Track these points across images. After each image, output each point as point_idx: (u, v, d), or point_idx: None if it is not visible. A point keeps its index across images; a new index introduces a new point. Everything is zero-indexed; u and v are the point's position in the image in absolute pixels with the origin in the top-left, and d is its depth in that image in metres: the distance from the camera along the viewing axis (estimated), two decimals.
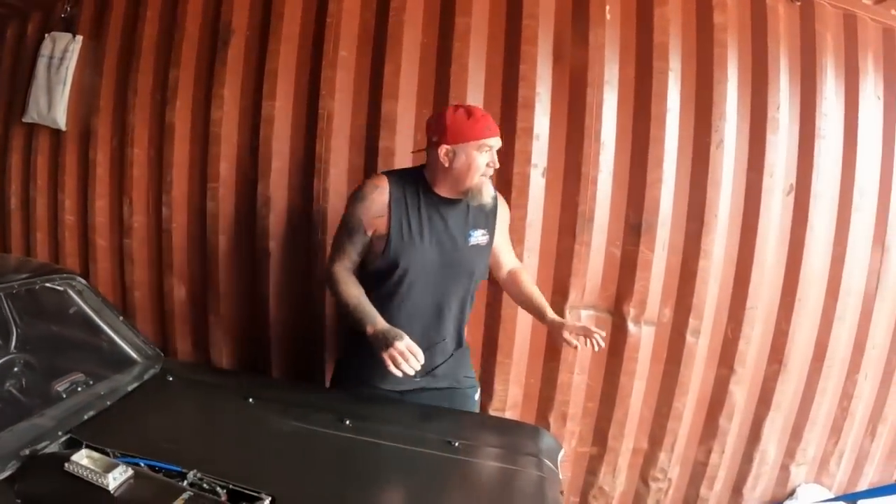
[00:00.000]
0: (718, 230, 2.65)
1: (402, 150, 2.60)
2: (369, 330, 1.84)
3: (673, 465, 2.84)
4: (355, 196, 2.01)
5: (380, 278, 2.00)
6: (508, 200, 2.36)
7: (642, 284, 2.60)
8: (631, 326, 2.62)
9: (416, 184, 2.00)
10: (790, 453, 3.02)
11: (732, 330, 2.74)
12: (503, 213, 2.15)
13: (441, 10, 2.62)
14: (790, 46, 2.74)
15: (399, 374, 1.77)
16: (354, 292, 1.95)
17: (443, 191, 1.97)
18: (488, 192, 1.95)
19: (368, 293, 1.97)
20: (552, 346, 2.58)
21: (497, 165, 1.96)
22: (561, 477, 1.90)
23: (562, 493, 1.79)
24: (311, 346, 2.81)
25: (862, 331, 2.98)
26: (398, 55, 2.61)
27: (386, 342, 1.78)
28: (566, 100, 2.60)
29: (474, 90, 2.59)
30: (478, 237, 2.03)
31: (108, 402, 1.80)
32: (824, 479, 3.13)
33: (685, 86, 2.62)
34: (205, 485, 1.43)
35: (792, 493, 3.05)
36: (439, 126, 1.91)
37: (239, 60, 2.80)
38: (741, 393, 2.82)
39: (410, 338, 1.81)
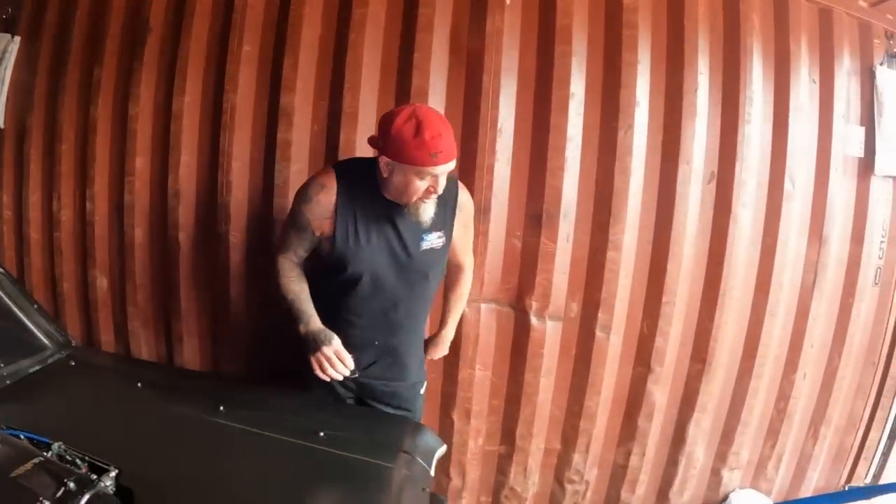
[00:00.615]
0: (629, 221, 2.33)
1: (300, 143, 2.39)
2: (301, 329, 1.73)
3: (589, 467, 2.51)
4: (300, 195, 1.77)
5: (327, 277, 1.82)
6: None
7: (545, 277, 2.29)
8: (534, 321, 2.32)
9: (368, 183, 1.73)
10: (721, 457, 2.66)
11: (648, 326, 2.41)
12: (466, 211, 1.90)
13: (339, 2, 2.39)
14: (710, 27, 2.41)
15: (326, 378, 1.70)
16: (294, 287, 1.80)
17: (388, 195, 1.72)
18: (427, 214, 1.70)
19: (321, 287, 1.82)
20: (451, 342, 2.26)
21: (439, 191, 1.65)
22: (432, 475, 1.76)
23: (427, 490, 1.68)
24: (223, 337, 2.58)
25: (798, 328, 2.61)
26: (296, 48, 2.38)
27: (315, 345, 1.68)
28: (462, 88, 2.31)
29: (369, 80, 2.35)
30: (432, 241, 1.78)
31: (8, 382, 1.81)
32: (761, 484, 2.76)
33: (591, 70, 2.32)
34: (67, 456, 1.44)
35: (725, 499, 2.67)
36: (384, 130, 1.62)
37: (154, 57, 2.61)
38: (661, 393, 2.48)
39: (361, 336, 1.78)
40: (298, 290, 1.78)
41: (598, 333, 2.35)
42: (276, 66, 2.43)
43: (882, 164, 2.68)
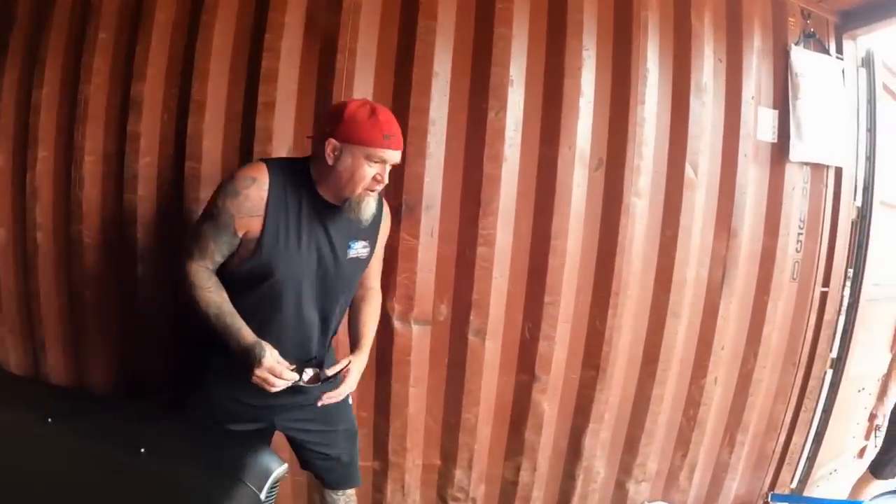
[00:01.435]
0: (502, 212, 1.89)
1: (150, 135, 1.97)
2: (234, 345, 1.37)
3: (475, 484, 2.07)
4: (226, 189, 1.39)
5: (247, 285, 1.44)
6: None
7: (407, 277, 1.85)
8: (398, 325, 1.89)
9: (300, 180, 1.43)
10: (625, 469, 2.20)
11: (530, 329, 1.96)
12: (385, 227, 1.64)
13: None
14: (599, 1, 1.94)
15: (273, 391, 1.37)
16: (215, 299, 1.41)
17: (325, 193, 1.42)
18: (368, 210, 1.42)
19: (232, 299, 1.44)
20: None
21: (385, 182, 1.41)
22: (264, 497, 1.42)
23: None
24: (87, 346, 2.15)
25: (707, 329, 2.15)
26: (149, 33, 1.97)
27: (255, 359, 1.34)
28: (315, 69, 1.88)
29: (219, 65, 1.93)
30: (358, 249, 1.51)
31: None
32: (674, 495, 2.30)
33: (459, 46, 1.89)
34: None
35: None
36: (335, 116, 1.38)
37: (18, 49, 2.19)
38: (549, 403, 2.04)
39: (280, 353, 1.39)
40: (220, 301, 1.40)
41: (472, 338, 1.91)
42: (129, 54, 2.02)
43: (797, 149, 2.22)
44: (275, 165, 1.41)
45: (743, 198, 2.12)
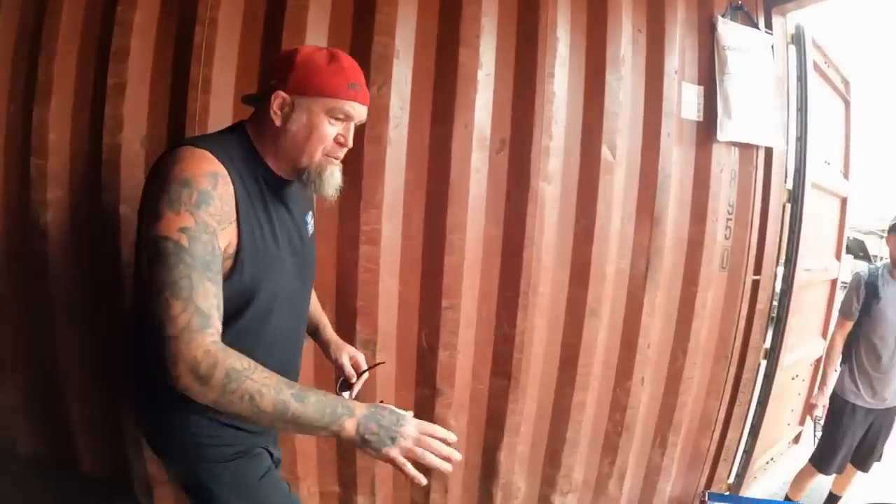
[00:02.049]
0: (388, 203, 1.52)
1: None
2: (349, 427, 0.82)
3: None
4: (188, 197, 0.86)
5: (225, 316, 0.91)
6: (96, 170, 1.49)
7: None
8: None
9: (247, 158, 0.99)
10: (549, 482, 1.87)
11: (428, 338, 1.58)
12: None
13: None
14: None
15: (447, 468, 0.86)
16: (268, 379, 0.82)
17: (276, 166, 1.01)
18: (334, 182, 1.02)
19: None
20: None
21: (349, 145, 1.03)
22: None
23: None
24: None
25: (630, 326, 1.81)
26: None
27: (397, 433, 0.83)
28: (172, 43, 1.49)
29: (67, 45, 1.52)
30: (311, 223, 1.19)
31: None
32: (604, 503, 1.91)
33: (337, 13, 1.52)
34: None
35: None
36: (284, 63, 0.99)
37: None
38: (455, 418, 1.69)
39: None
40: (274, 379, 0.82)
41: (361, 351, 1.50)
42: None
43: (725, 128, 1.89)
44: (215, 147, 0.93)
45: (667, 181, 1.78)
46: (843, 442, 2.21)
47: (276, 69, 0.99)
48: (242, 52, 1.48)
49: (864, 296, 2.19)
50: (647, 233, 1.77)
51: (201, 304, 0.81)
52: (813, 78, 2.36)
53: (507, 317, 1.63)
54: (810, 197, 2.28)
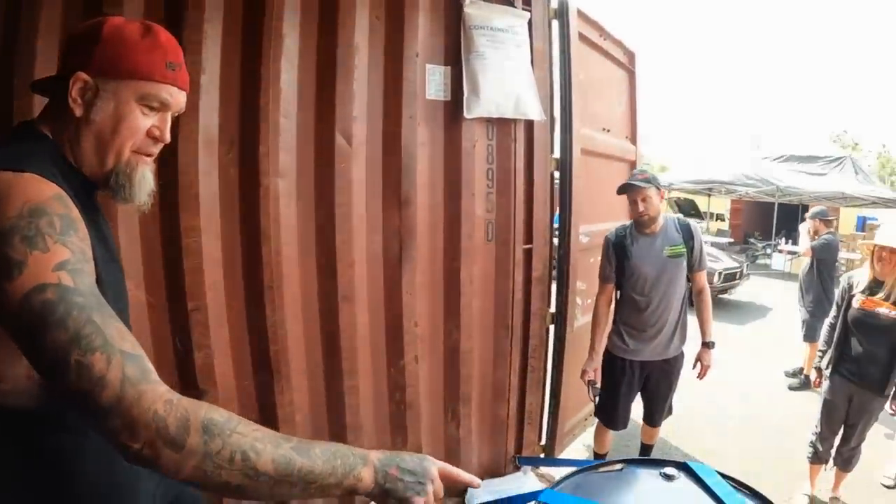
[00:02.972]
0: (120, 217, 1.55)
1: None
2: (366, 477, 0.68)
3: None
4: (50, 222, 0.67)
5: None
6: None
7: None
8: None
9: (61, 167, 0.80)
10: None
11: (182, 341, 1.71)
12: None
13: None
14: None
15: None
16: (262, 432, 0.65)
17: (81, 166, 0.83)
18: (146, 185, 0.87)
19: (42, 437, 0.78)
20: None
21: (166, 139, 0.87)
22: None
23: None
24: None
25: (392, 307, 1.97)
26: None
27: (424, 477, 0.71)
28: None
29: None
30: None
31: None
32: None
33: None
34: None
35: None
36: (86, 40, 0.82)
37: None
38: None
39: None
40: (263, 430, 0.66)
41: None
42: None
43: (473, 106, 2.05)
44: (28, 163, 0.72)
45: (411, 163, 1.92)
46: (620, 397, 2.39)
47: (76, 45, 0.82)
48: None
49: (615, 257, 2.33)
50: (396, 215, 1.92)
51: (124, 347, 0.62)
52: (588, 52, 2.60)
53: (256, 312, 1.73)
54: (590, 164, 2.52)
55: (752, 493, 1.30)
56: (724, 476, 1.32)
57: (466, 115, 2.03)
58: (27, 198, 0.66)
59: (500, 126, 2.13)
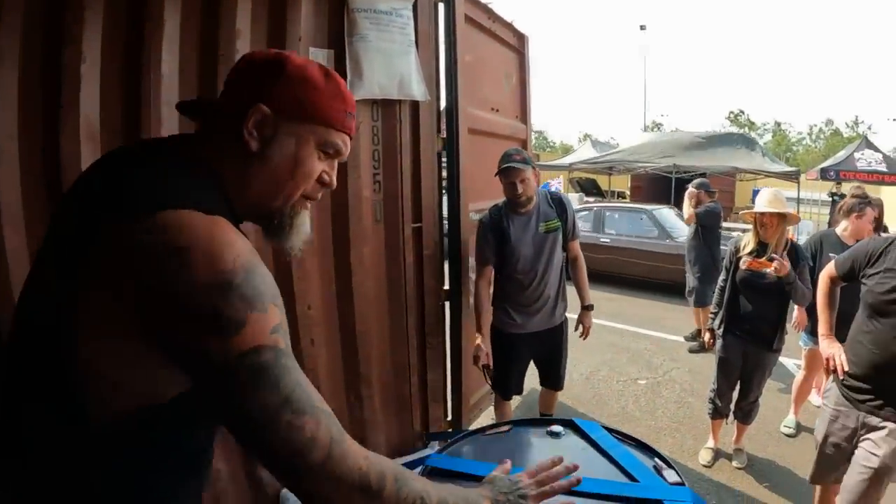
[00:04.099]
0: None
1: None
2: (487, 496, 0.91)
3: None
4: (263, 280, 0.70)
5: None
6: None
7: None
8: None
9: (224, 201, 0.79)
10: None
11: None
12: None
13: None
14: None
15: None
16: (421, 480, 0.83)
17: (241, 207, 0.83)
18: (304, 231, 0.90)
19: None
20: None
21: (334, 186, 0.89)
22: None
23: None
24: None
25: (285, 292, 1.93)
26: None
27: (525, 492, 0.93)
28: None
29: None
30: None
31: None
32: None
33: None
34: None
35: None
36: (266, 73, 0.81)
37: None
38: None
39: None
40: (421, 478, 0.83)
41: None
42: None
43: (355, 88, 2.18)
44: (210, 203, 0.72)
45: None
46: (512, 369, 2.62)
47: (253, 76, 0.82)
48: None
49: (494, 240, 2.47)
50: None
51: (325, 408, 0.72)
52: (476, 34, 2.79)
53: None
54: (480, 143, 2.72)
55: (636, 442, 1.48)
56: (609, 430, 1.50)
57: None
58: (236, 252, 0.67)
59: (386, 107, 2.27)
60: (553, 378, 2.73)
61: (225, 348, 0.65)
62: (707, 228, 4.82)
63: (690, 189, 4.93)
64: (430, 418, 2.60)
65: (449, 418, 2.70)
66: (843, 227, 3.15)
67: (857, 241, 3.09)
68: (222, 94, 0.85)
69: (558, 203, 2.56)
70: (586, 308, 2.68)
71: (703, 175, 11.68)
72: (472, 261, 2.65)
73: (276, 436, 0.67)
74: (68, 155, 1.61)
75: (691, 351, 4.90)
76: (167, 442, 0.73)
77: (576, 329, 2.70)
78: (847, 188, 5.29)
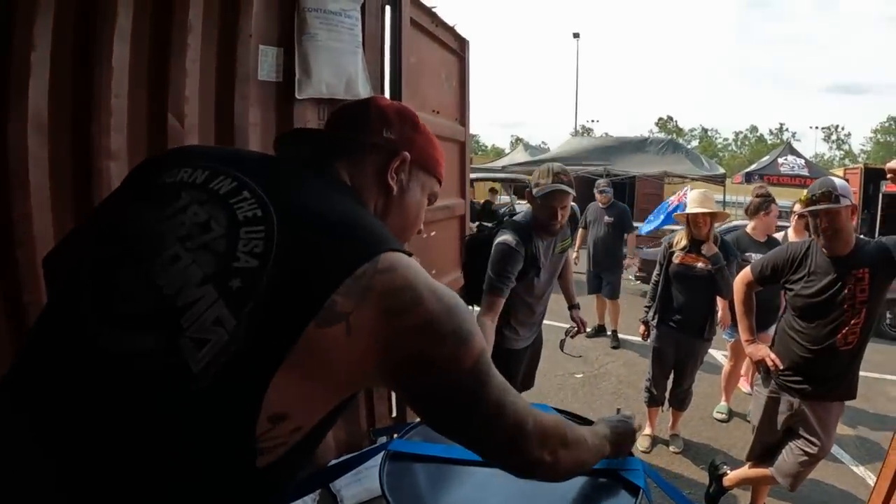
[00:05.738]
0: None
1: None
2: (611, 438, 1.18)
3: None
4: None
5: None
6: None
7: None
8: None
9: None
10: None
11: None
12: None
13: None
14: None
15: None
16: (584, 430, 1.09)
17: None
18: None
19: None
20: None
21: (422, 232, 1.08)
22: None
23: None
24: None
25: None
26: None
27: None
28: None
29: None
30: None
31: None
32: None
33: None
34: None
35: None
36: (405, 122, 0.95)
37: None
38: None
39: None
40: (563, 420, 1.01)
41: None
42: None
43: (304, 87, 2.39)
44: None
45: (244, 143, 2.20)
46: (515, 385, 2.73)
47: (393, 122, 0.94)
48: None
49: (523, 269, 2.36)
50: None
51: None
52: (420, 37, 3.05)
53: None
54: None
55: (584, 420, 1.62)
56: (558, 410, 1.71)
57: (298, 95, 2.35)
58: (438, 287, 0.78)
59: (332, 107, 2.48)
60: (531, 378, 2.92)
61: (463, 358, 0.76)
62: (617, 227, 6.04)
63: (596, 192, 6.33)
64: (376, 415, 2.82)
65: (394, 414, 2.93)
66: (751, 226, 3.63)
67: (768, 236, 3.60)
68: (345, 127, 0.94)
69: (571, 217, 2.56)
70: (575, 307, 2.92)
71: (632, 178, 12.55)
72: None
73: (506, 420, 0.82)
74: (15, 146, 1.69)
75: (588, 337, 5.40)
76: (305, 462, 0.81)
77: (573, 327, 2.88)
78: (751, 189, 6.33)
